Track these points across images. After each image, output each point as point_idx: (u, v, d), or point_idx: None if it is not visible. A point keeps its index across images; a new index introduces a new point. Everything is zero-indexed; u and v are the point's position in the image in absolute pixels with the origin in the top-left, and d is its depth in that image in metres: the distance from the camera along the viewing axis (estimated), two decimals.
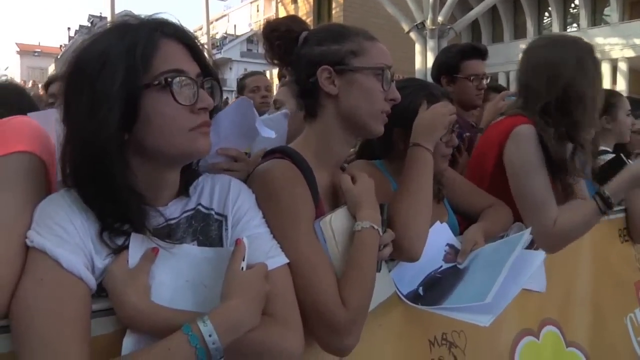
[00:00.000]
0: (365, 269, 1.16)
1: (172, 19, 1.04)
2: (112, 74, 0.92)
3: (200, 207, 1.12)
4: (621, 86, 19.55)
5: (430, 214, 1.37)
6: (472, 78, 2.54)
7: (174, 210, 1.09)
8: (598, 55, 1.83)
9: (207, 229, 1.10)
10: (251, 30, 42.26)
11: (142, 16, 1.03)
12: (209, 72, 1.06)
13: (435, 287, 1.39)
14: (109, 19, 20.04)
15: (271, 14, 30.94)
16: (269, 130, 1.39)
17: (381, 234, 1.22)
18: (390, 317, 1.35)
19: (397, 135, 1.58)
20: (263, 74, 3.98)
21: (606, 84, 19.59)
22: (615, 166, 2.16)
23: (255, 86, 3.63)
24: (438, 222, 1.51)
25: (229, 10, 49.47)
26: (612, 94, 2.90)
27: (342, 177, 1.28)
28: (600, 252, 2.23)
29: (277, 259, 1.08)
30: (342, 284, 1.13)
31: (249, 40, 38.30)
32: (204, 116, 1.00)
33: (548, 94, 1.74)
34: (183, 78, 0.97)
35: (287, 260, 1.09)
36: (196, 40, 1.05)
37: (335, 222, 1.20)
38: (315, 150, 1.30)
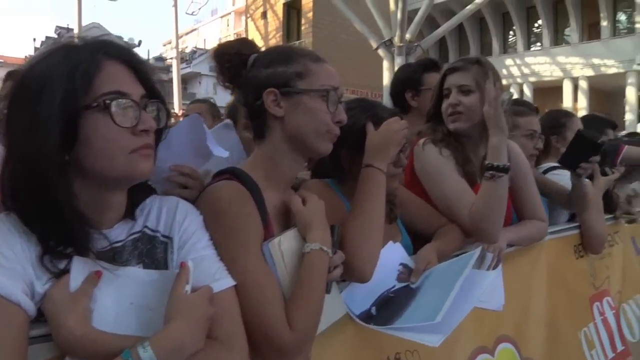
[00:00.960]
0: (313, 291, 1.15)
1: (119, 40, 1.04)
2: (52, 93, 0.92)
3: (146, 230, 1.10)
4: (582, 104, 20.17)
5: (382, 235, 1.37)
6: None
7: (120, 232, 1.07)
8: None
9: (152, 251, 1.08)
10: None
11: (89, 37, 1.03)
12: (154, 94, 1.05)
13: (388, 307, 1.39)
14: (75, 30, 19.84)
15: (241, 29, 31.00)
16: (222, 150, 1.38)
17: (331, 255, 1.21)
18: (342, 338, 1.35)
19: (344, 157, 1.58)
20: (204, 101, 3.96)
21: (568, 101, 20.26)
22: (578, 145, 2.24)
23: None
24: (391, 242, 1.51)
25: (199, 24, 49.41)
26: (564, 114, 2.98)
27: (292, 198, 1.28)
28: (555, 269, 2.28)
29: (223, 282, 1.07)
30: (289, 306, 1.12)
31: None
32: (146, 138, 0.99)
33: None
34: (124, 100, 0.96)
35: (234, 283, 1.08)
36: (142, 62, 1.04)
37: (285, 244, 1.19)
38: (265, 171, 1.29)
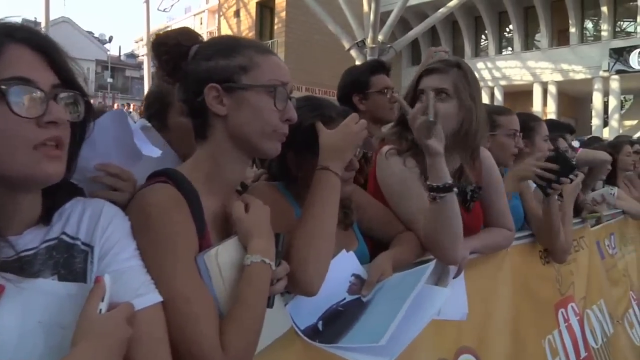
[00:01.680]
0: (251, 308, 1.04)
1: (30, 23, 0.92)
2: None
3: (64, 237, 0.97)
4: (551, 108, 20.52)
5: (333, 245, 1.27)
6: (385, 91, 2.50)
7: (31, 239, 0.94)
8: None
9: (70, 261, 0.95)
10: None
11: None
12: (71, 85, 0.93)
13: (337, 322, 1.29)
14: (43, 24, 19.27)
15: (214, 27, 30.62)
16: (153, 148, 1.25)
17: (274, 267, 1.11)
18: (290, 353, 1.24)
19: (290, 159, 1.48)
20: None
21: (537, 105, 20.60)
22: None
23: None
24: (344, 251, 1.41)
25: (172, 21, 48.66)
26: (532, 118, 2.94)
27: (234, 204, 1.17)
28: (520, 275, 2.22)
29: (147, 297, 0.95)
30: (223, 325, 1.01)
31: None
32: (54, 131, 0.87)
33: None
34: (26, 87, 0.84)
35: (160, 299, 0.97)
36: (57, 48, 0.92)
37: (223, 255, 1.08)
38: (205, 174, 1.18)
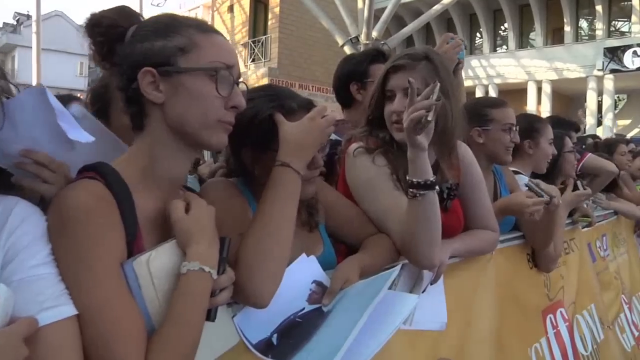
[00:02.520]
0: (184, 324, 0.91)
1: None
2: None
3: None
4: (545, 107, 20.42)
5: (288, 249, 1.13)
6: None
7: None
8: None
9: None
10: None
11: None
12: None
13: (293, 335, 1.14)
14: (34, 17, 19.01)
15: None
16: (83, 133, 1.09)
17: (215, 276, 0.97)
18: None
19: (246, 155, 1.34)
20: None
21: (532, 104, 20.52)
22: None
23: None
24: (303, 255, 1.26)
25: None
26: (537, 119, 2.83)
27: (172, 203, 1.03)
28: (505, 280, 2.08)
29: (56, 311, 0.82)
30: (152, 341, 0.88)
31: None
32: None
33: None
34: None
35: (75, 312, 0.83)
36: None
37: (157, 261, 0.94)
38: (142, 169, 1.04)
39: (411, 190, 1.37)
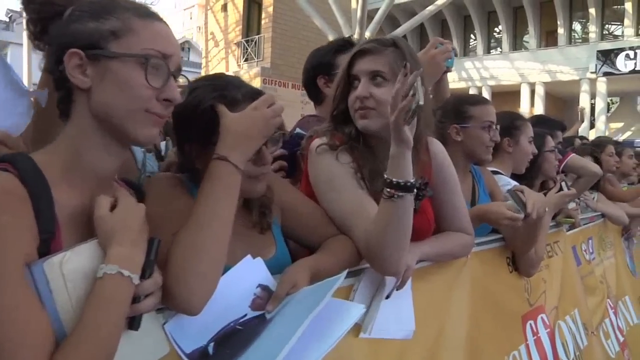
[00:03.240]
0: (95, 332, 0.81)
1: None
2: None
3: None
4: (539, 109, 20.40)
5: (224, 251, 1.03)
6: None
7: None
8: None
9: None
10: (183, 37, 41.26)
11: None
12: None
13: (232, 343, 1.04)
14: (25, 14, 18.82)
15: (200, 23, 30.24)
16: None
17: (136, 281, 0.87)
18: None
19: (189, 149, 1.24)
20: None
21: (525, 106, 20.52)
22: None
23: None
24: (248, 257, 1.16)
25: (160, 15, 48.12)
26: (518, 117, 2.74)
27: (96, 200, 0.93)
28: (482, 285, 1.99)
29: None
30: (57, 352, 0.79)
31: (180, 48, 37.52)
32: None
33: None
34: None
35: None
36: None
37: (72, 263, 0.85)
38: (64, 161, 0.95)
39: (388, 190, 1.27)
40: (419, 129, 1.41)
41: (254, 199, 1.30)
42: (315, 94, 2.23)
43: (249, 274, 1.13)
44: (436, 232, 1.69)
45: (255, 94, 1.22)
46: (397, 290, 1.46)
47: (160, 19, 1.00)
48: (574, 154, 3.37)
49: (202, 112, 1.14)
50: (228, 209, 1.05)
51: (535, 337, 2.27)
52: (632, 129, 21.34)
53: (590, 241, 3.36)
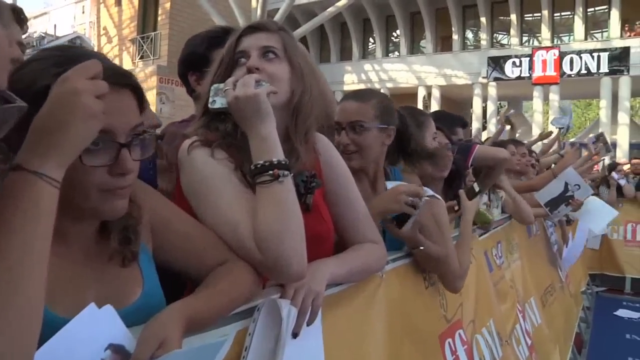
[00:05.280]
0: None
1: None
2: None
3: None
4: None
5: (29, 296, 0.65)
6: None
7: None
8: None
9: None
10: (74, 32, 38.73)
11: None
12: None
13: None
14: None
15: (93, 18, 28.44)
16: None
17: None
18: None
19: (13, 140, 0.83)
20: None
21: (421, 108, 21.28)
22: None
23: None
24: (92, 306, 0.77)
25: (50, 7, 44.96)
26: (421, 112, 2.57)
27: None
28: (399, 306, 1.72)
29: None
30: None
31: (71, 42, 35.12)
32: None
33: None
34: None
35: None
36: None
37: None
38: None
39: (266, 173, 1.12)
40: (306, 124, 1.28)
41: (112, 221, 0.93)
42: (191, 92, 1.84)
43: (94, 331, 0.74)
44: (340, 248, 1.40)
45: (120, 75, 0.84)
46: (307, 325, 1.14)
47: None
48: (479, 145, 3.24)
49: (35, 95, 0.75)
50: (31, 240, 0.67)
51: (454, 356, 2.06)
52: (519, 131, 22.80)
53: (499, 245, 3.26)
